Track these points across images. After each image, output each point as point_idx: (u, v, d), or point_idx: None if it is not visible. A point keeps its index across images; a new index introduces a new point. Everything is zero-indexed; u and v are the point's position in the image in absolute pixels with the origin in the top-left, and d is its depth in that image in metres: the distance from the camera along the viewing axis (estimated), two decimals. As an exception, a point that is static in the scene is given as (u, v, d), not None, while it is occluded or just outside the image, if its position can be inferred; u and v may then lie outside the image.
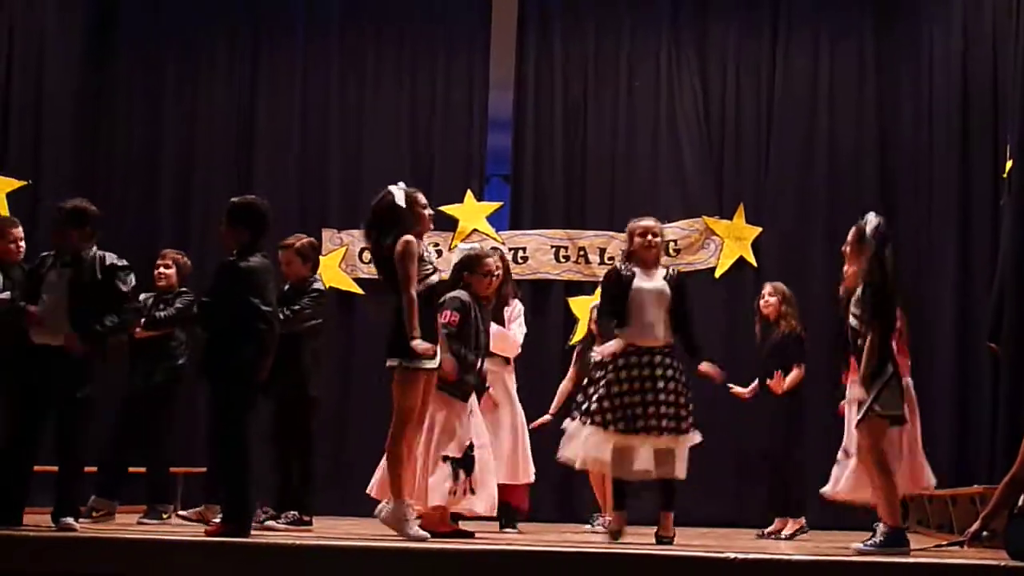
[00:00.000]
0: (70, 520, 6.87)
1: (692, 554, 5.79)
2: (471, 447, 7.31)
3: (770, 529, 8.71)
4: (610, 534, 7.33)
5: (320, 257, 8.90)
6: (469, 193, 12.04)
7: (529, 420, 8.81)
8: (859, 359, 6.49)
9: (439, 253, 11.25)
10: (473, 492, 7.31)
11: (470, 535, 7.26)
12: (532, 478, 8.60)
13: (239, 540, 6.17)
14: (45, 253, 7.30)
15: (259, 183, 11.82)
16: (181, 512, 8.59)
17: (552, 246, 11.97)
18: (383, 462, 7.09)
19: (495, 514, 7.76)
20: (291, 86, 12.43)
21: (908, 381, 7.54)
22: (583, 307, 11.67)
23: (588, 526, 9.48)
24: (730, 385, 8.79)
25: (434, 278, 6.84)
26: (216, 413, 6.61)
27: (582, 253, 11.93)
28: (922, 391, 8.17)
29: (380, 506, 6.87)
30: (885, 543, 6.29)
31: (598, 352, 7.33)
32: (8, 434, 7.05)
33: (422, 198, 6.94)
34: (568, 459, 7.37)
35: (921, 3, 11.82)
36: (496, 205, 12.17)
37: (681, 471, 7.15)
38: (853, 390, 7.04)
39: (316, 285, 8.19)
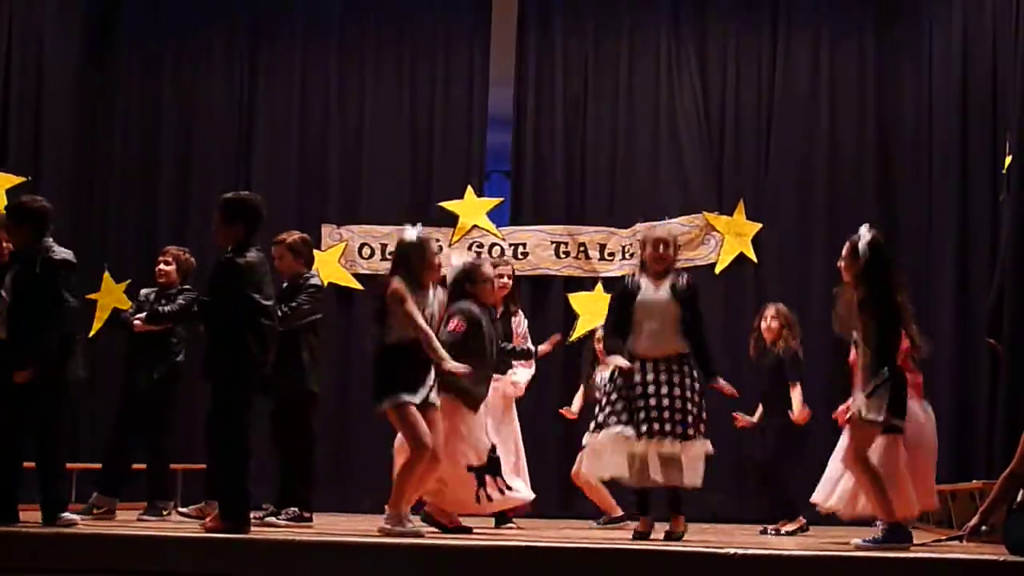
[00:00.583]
0: (71, 516, 6.85)
1: (693, 549, 5.79)
2: (493, 448, 7.34)
3: (773, 526, 8.71)
4: (636, 535, 7.13)
5: (319, 253, 8.90)
6: (469, 189, 12.04)
7: (529, 420, 8.76)
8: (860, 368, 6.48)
9: (439, 249, 11.23)
10: (510, 488, 7.34)
11: (468, 530, 7.28)
12: (532, 495, 8.33)
13: (239, 536, 6.18)
14: (13, 251, 7.16)
15: (259, 179, 11.85)
16: (181, 509, 8.58)
17: (552, 242, 11.97)
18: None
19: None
20: (290, 84, 12.42)
21: (923, 403, 7.62)
22: (583, 303, 11.69)
23: (594, 523, 9.45)
24: (735, 414, 8.82)
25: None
26: (216, 411, 6.60)
27: (582, 249, 11.92)
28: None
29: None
30: (885, 539, 6.30)
31: (604, 365, 7.30)
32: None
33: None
34: (599, 475, 7.28)
35: (922, 3, 11.80)
36: (496, 201, 12.17)
37: (691, 479, 6.95)
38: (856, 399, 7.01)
39: (312, 280, 8.18)
